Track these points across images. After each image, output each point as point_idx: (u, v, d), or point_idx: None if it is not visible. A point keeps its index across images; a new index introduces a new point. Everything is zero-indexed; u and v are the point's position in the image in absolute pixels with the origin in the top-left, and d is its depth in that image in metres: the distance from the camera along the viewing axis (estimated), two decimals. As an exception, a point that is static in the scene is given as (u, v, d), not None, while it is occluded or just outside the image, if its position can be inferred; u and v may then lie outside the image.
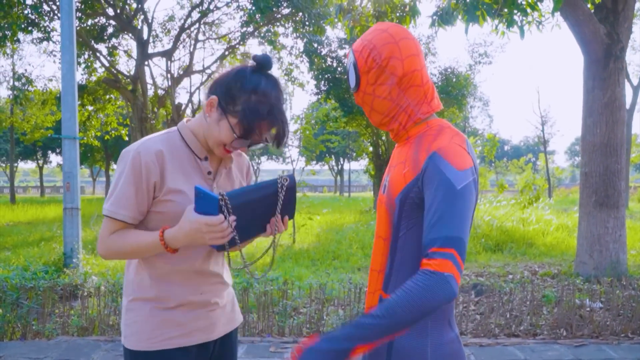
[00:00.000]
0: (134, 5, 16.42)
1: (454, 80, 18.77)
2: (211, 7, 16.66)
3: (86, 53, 16.68)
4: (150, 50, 17.45)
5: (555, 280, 6.02)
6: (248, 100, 1.40)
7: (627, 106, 22.35)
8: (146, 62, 17.23)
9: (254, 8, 14.56)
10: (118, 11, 15.80)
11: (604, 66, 6.00)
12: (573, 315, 4.38)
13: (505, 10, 5.68)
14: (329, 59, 18.40)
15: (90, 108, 19.31)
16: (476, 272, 6.60)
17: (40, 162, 41.95)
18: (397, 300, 1.10)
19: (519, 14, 6.04)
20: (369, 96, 1.32)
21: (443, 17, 5.33)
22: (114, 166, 44.00)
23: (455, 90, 18.51)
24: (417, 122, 1.33)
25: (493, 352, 3.86)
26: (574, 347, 3.99)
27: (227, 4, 16.96)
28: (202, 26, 18.14)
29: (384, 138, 19.59)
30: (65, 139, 6.13)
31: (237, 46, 18.25)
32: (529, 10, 6.33)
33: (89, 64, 17.30)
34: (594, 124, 6.05)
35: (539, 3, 6.25)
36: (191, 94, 19.40)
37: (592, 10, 6.14)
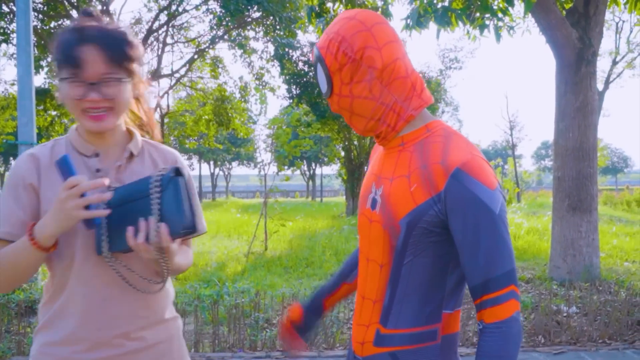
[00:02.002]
0: (99, 7, 16.00)
1: (425, 84, 18.89)
2: (179, 9, 16.35)
3: (49, 56, 16.16)
4: (116, 54, 17.02)
5: (530, 285, 5.99)
6: (56, 45, 1.22)
7: (592, 111, 22.96)
8: (112, 66, 16.80)
9: (223, 11, 14.34)
10: (82, 13, 15.41)
11: (575, 70, 6.02)
12: (550, 321, 4.32)
13: (477, 15, 5.64)
14: (300, 63, 18.28)
15: (53, 113, 18.71)
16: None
17: (2, 169, 40.57)
18: None
19: (492, 18, 6.02)
20: (346, 99, 1.10)
21: (411, 20, 5.25)
22: (80, 172, 43.35)
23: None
24: (409, 120, 1.12)
25: (473, 363, 3.76)
26: (553, 354, 3.92)
27: (196, 7, 16.68)
28: (170, 29, 17.80)
29: (355, 142, 19.56)
30: (22, 145, 5.81)
31: (206, 50, 17.97)
32: (500, 15, 6.33)
33: (52, 67, 16.79)
34: (567, 128, 6.06)
35: (510, 8, 6.26)
36: (159, 98, 19.01)
37: (564, 15, 6.16)
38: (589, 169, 5.99)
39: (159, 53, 17.65)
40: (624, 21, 20.56)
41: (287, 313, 1.41)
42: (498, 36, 5.31)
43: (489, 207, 1.00)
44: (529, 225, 11.69)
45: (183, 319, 3.66)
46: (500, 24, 7.64)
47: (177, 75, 19.09)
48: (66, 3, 14.82)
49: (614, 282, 5.64)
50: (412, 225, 1.06)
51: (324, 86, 1.13)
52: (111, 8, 16.22)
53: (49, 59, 16.33)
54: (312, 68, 14.30)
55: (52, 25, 15.50)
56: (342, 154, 20.97)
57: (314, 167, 47.35)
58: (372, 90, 1.08)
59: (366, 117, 1.11)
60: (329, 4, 6.35)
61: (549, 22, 5.90)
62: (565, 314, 4.53)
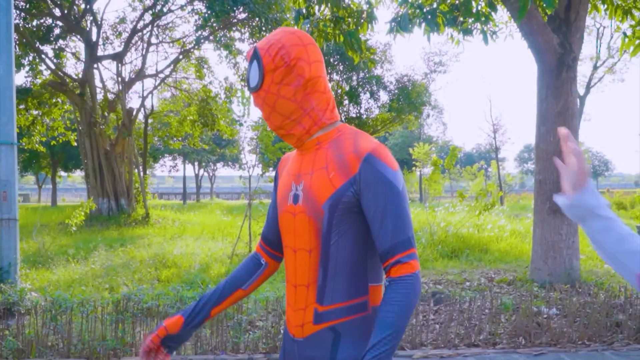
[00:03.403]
0: (82, 6, 15.82)
1: (410, 88, 19.00)
2: (164, 9, 16.24)
3: (31, 55, 15.92)
4: (99, 53, 16.85)
5: (511, 287, 6.04)
6: None
7: (574, 115, 23.28)
8: (95, 65, 16.62)
9: (209, 12, 14.28)
10: (65, 11, 15.17)
11: (557, 75, 6.10)
12: (531, 323, 4.37)
13: (462, 19, 5.70)
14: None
15: (35, 112, 18.46)
16: (434, 280, 6.57)
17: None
18: (396, 315, 1.15)
19: (476, 22, 6.08)
20: (272, 96, 1.27)
21: (401, 24, 5.28)
22: (62, 173, 42.09)
23: (412, 97, 18.72)
24: (322, 126, 1.31)
25: (454, 364, 3.79)
26: (533, 355, 3.97)
27: (181, 7, 16.58)
28: (155, 29, 17.66)
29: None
30: (1, 145, 5.72)
31: (192, 50, 17.87)
32: (483, 19, 6.40)
33: (34, 66, 16.53)
34: (548, 132, 6.14)
35: (492, 13, 6.33)
36: (143, 99, 18.85)
37: (546, 20, 6.25)
38: (570, 172, 6.07)
39: (143, 53, 17.50)
40: (604, 27, 20.88)
41: (163, 324, 1.42)
42: (486, 38, 5.37)
43: (394, 183, 1.20)
44: (511, 228, 11.80)
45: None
46: (484, 27, 7.74)
47: (161, 75, 18.95)
48: (49, 1, 14.63)
49: (594, 284, 5.72)
50: (334, 207, 1.23)
51: (254, 81, 1.29)
52: (95, 7, 16.05)
53: (31, 57, 16.10)
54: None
55: (34, 23, 15.29)
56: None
57: (299, 169, 47.30)
58: (296, 94, 1.26)
59: (284, 115, 1.29)
60: (315, 7, 6.37)
61: (531, 27, 5.98)
62: (545, 316, 4.58)
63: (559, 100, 6.10)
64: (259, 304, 4.66)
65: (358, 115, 18.89)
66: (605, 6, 6.96)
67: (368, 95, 18.70)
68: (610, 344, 4.23)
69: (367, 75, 18.06)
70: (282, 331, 4.20)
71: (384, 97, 18.87)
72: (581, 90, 23.45)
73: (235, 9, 14.75)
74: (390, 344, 1.13)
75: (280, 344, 4.05)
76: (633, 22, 7.09)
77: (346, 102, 18.71)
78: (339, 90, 18.76)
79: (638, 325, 4.39)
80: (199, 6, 16.27)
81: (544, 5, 4.50)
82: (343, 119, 18.80)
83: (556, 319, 4.54)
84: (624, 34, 7.22)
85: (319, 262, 1.26)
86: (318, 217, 1.24)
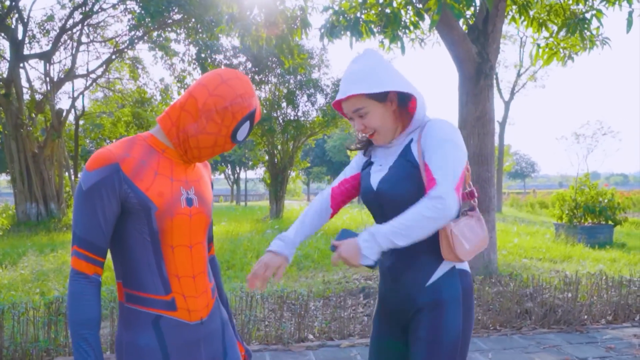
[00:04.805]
0: (7, 3, 15.15)
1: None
2: (95, 8, 15.82)
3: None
4: (25, 52, 16.17)
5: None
6: None
7: (500, 119, 24.54)
8: (21, 64, 15.93)
9: (143, 12, 14.06)
10: (-12, 8, 14.50)
11: (475, 83, 6.57)
12: (450, 312, 4.73)
13: (388, 28, 6.03)
14: (223, 67, 18.21)
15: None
16: (365, 276, 6.88)
17: None
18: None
19: (404, 30, 6.44)
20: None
21: (330, 31, 5.54)
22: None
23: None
24: None
25: (378, 351, 4.06)
26: (451, 341, 4.31)
27: (113, 6, 16.21)
28: (85, 28, 17.15)
29: (279, 147, 19.75)
30: None
31: (125, 50, 17.48)
32: (412, 27, 6.79)
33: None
34: (468, 135, 6.59)
35: (420, 22, 6.73)
36: (74, 99, 18.24)
37: (466, 31, 6.71)
38: (487, 172, 6.56)
39: (73, 52, 16.95)
40: (527, 36, 22.24)
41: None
42: (403, 48, 5.71)
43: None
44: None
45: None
46: (412, 36, 8.17)
47: (93, 75, 18.41)
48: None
49: (508, 276, 6.21)
50: (212, 203, 1.58)
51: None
52: (20, 4, 15.40)
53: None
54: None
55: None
56: (266, 158, 21.10)
57: (238, 171, 46.99)
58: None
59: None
60: (248, 12, 6.52)
61: (452, 38, 6.42)
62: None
63: (478, 106, 6.57)
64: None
65: (296, 118, 19.12)
66: (523, 18, 7.54)
67: (305, 98, 18.97)
68: (519, 329, 4.67)
69: (304, 79, 18.32)
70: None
71: (321, 100, 19.20)
72: (506, 96, 24.82)
73: (170, 9, 14.60)
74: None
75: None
76: (547, 34, 7.72)
77: (284, 104, 18.90)
78: (277, 93, 18.92)
79: (544, 312, 4.86)
80: (132, 5, 15.97)
81: (454, 14, 4.86)
82: (281, 121, 18.97)
83: (473, 308, 4.94)
84: (538, 45, 7.85)
85: (206, 250, 1.55)
86: (209, 215, 1.53)
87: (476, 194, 1.73)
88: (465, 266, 1.69)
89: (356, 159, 1.87)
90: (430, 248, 1.61)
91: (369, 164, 1.80)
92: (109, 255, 1.46)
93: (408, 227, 1.45)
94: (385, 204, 1.67)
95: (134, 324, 1.39)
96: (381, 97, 1.61)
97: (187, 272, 1.45)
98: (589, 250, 9.48)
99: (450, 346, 1.56)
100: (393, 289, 1.70)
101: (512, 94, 24.54)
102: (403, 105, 1.66)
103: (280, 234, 1.75)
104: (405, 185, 1.61)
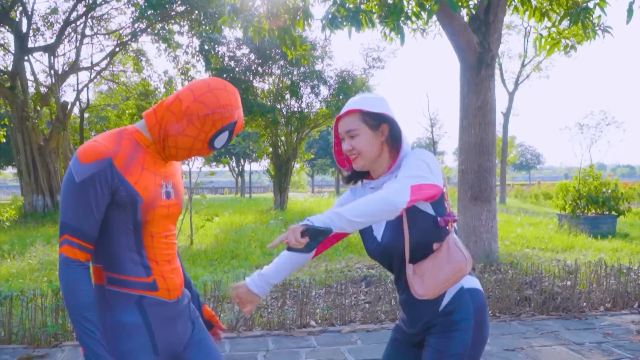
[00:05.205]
0: (11, -5, 15.21)
1: (350, 82, 19.42)
2: (98, 0, 15.86)
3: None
4: (30, 45, 16.25)
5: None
6: None
7: (503, 110, 24.46)
8: (26, 57, 16.01)
9: (146, 4, 14.10)
10: (-7, 1, 14.56)
11: (476, 73, 6.59)
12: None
13: (389, 18, 6.05)
14: (226, 58, 18.23)
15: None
16: (367, 265, 6.96)
17: None
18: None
19: (406, 21, 6.45)
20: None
21: (331, 22, 5.57)
22: (-9, 169, 39.81)
23: (351, 92, 19.13)
24: None
25: (378, 336, 4.14)
26: (450, 327, 4.38)
27: (116, -1, 16.24)
28: (89, 20, 17.20)
29: (283, 139, 19.79)
30: None
31: (129, 43, 17.53)
32: (414, 18, 6.80)
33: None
34: (469, 125, 6.63)
35: (422, 12, 6.74)
36: (78, 92, 18.33)
37: (468, 21, 6.72)
38: (488, 162, 6.60)
39: (77, 45, 17.01)
40: (531, 26, 22.11)
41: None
42: (403, 39, 5.73)
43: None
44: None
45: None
46: (414, 26, 8.18)
47: (97, 68, 18.47)
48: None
49: (509, 265, 6.27)
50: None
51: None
52: (25, -4, 15.44)
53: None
54: (239, 64, 14.26)
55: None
56: (270, 150, 21.14)
57: (242, 164, 47.06)
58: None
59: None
60: (250, 3, 6.55)
61: (454, 28, 6.44)
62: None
63: (479, 96, 6.60)
64: (198, 290, 4.85)
65: (300, 109, 19.14)
66: (525, 8, 7.54)
67: (309, 89, 18.97)
68: (518, 316, 4.73)
69: (307, 70, 18.32)
70: (220, 315, 4.42)
71: (324, 91, 19.20)
72: (510, 87, 24.72)
73: (173, 1, 14.63)
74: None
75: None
76: (549, 24, 7.72)
77: (287, 96, 18.91)
78: (280, 85, 18.93)
79: (544, 299, 4.92)
80: (136, -2, 15.98)
81: (451, 7, 4.89)
82: (285, 113, 19.00)
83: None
84: (540, 35, 7.85)
85: (176, 236, 1.69)
86: (181, 206, 1.67)
87: (454, 219, 1.76)
88: (475, 284, 1.77)
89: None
90: None
91: None
92: None
93: (358, 206, 1.50)
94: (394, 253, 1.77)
95: (118, 304, 1.50)
96: (374, 125, 1.74)
97: (164, 257, 1.59)
98: (591, 241, 9.52)
99: (455, 357, 1.66)
100: (411, 316, 1.81)
101: (517, 84, 24.44)
102: (393, 141, 1.77)
103: (260, 270, 1.93)
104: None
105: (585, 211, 11.17)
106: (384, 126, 1.74)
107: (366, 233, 1.82)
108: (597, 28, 6.83)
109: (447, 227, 1.74)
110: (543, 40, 7.83)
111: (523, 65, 24.27)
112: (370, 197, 1.52)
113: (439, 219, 1.71)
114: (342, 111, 1.76)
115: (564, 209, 11.52)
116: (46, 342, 3.92)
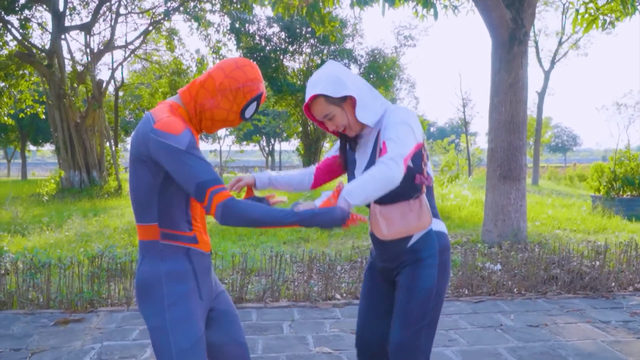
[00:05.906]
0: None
1: (381, 61, 19.24)
2: (133, -21, 16.02)
3: (-4, 23, 15.62)
4: (67, 24, 16.60)
5: (463, 247, 6.50)
6: None
7: (538, 89, 23.84)
8: (63, 36, 16.39)
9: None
10: (31, -20, 14.89)
11: (508, 49, 6.47)
12: (475, 276, 4.81)
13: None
14: (257, 37, 18.27)
15: (1, 84, 18.15)
16: (394, 243, 6.99)
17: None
18: None
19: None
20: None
21: (360, -2, 5.55)
22: (31, 147, 41.13)
23: (382, 70, 18.96)
24: None
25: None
26: (473, 303, 4.41)
27: (150, -23, 16.36)
28: (123, -1, 17.41)
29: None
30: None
31: (161, 22, 17.72)
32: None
33: (-1, 36, 16.22)
34: (500, 103, 6.53)
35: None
36: (113, 70, 18.69)
37: (500, -3, 6.56)
38: (519, 141, 6.50)
39: (112, 24, 17.30)
40: (569, 2, 21.36)
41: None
42: (436, 14, 5.67)
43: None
44: (473, 198, 12.33)
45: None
46: (446, 2, 8.04)
47: (131, 47, 18.77)
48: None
49: (537, 244, 6.21)
50: None
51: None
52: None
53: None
54: (270, 43, 14.36)
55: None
56: (300, 129, 21.19)
57: (272, 143, 47.31)
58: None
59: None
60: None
61: (485, 3, 6.31)
62: (489, 270, 5.03)
63: (510, 73, 6.48)
64: (227, 262, 5.00)
65: (329, 88, 19.10)
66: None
67: (339, 68, 18.87)
68: (544, 294, 4.71)
69: (338, 49, 18.21)
70: (247, 286, 4.55)
71: (355, 70, 19.07)
72: (546, 65, 24.05)
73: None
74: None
75: (246, 297, 4.39)
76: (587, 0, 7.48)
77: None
78: (311, 63, 18.89)
79: (571, 279, 4.88)
80: (169, -24, 16.10)
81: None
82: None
83: (499, 274, 5.00)
84: (576, 10, 7.62)
85: None
86: None
87: (430, 182, 1.92)
88: (441, 227, 1.95)
89: (336, 147, 2.19)
90: None
91: (352, 153, 2.06)
92: (131, 218, 1.68)
93: (361, 186, 1.65)
94: None
95: (172, 256, 1.69)
96: (337, 101, 1.87)
97: (200, 215, 1.79)
98: (625, 223, 9.31)
99: (424, 292, 1.87)
100: (382, 251, 1.99)
101: (553, 63, 23.75)
102: (362, 107, 1.92)
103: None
104: None
105: (621, 193, 10.90)
106: (348, 100, 1.88)
107: (349, 173, 2.04)
108: (637, 3, 6.60)
109: (421, 186, 1.89)
110: (580, 16, 7.61)
111: (560, 43, 23.54)
112: (374, 177, 1.65)
113: (417, 175, 1.86)
114: (307, 98, 1.87)
115: (598, 191, 11.27)
116: (82, 308, 4.12)
